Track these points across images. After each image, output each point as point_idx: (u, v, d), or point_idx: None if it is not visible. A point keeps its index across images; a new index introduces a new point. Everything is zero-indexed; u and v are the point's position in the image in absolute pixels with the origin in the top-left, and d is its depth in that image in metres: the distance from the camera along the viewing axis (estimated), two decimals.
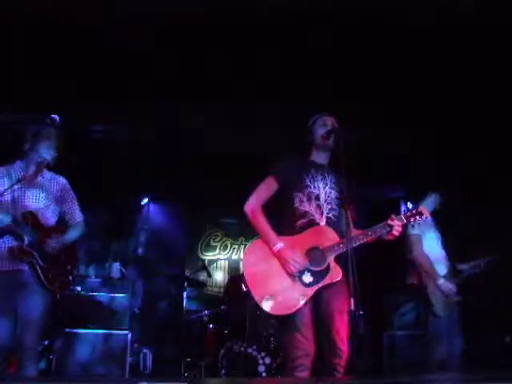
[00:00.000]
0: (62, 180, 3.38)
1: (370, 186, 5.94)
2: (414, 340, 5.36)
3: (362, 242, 2.78)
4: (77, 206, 3.41)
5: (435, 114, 5.12)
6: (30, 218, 3.09)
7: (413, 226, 4.04)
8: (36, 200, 3.17)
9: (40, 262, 3.03)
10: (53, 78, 4.60)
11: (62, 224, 3.34)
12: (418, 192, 4.40)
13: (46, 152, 3.22)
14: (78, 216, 3.38)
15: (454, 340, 4.01)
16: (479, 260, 4.20)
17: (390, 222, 2.83)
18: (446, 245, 4.25)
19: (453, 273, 4.10)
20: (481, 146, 5.31)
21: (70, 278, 3.28)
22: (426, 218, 2.93)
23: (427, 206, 3.36)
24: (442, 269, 4.08)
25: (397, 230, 2.82)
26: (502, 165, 5.18)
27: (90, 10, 3.83)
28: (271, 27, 4.05)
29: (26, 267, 3.03)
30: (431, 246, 4.14)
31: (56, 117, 3.26)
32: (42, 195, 3.20)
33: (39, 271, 3.02)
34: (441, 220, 4.34)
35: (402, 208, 6.90)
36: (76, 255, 3.39)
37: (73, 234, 3.31)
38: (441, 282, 3.97)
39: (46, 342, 4.45)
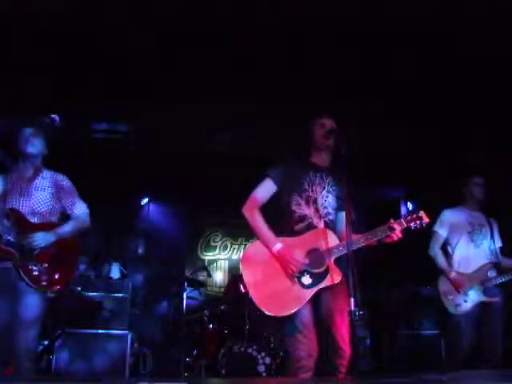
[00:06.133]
0: (60, 176, 3.28)
1: (370, 186, 5.95)
2: (414, 340, 5.37)
3: (361, 245, 2.76)
4: (77, 199, 3.27)
5: (435, 114, 5.12)
6: (12, 215, 3.00)
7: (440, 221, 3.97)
8: (28, 199, 3.09)
9: (19, 258, 2.92)
10: (53, 78, 4.60)
11: (60, 220, 3.21)
12: (418, 192, 4.31)
13: (38, 153, 3.16)
14: (78, 208, 3.24)
15: (486, 338, 3.78)
16: None
17: (390, 225, 2.80)
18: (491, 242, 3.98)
19: (484, 273, 3.84)
20: (481, 145, 5.32)
21: (64, 276, 3.06)
22: (426, 222, 2.88)
23: None
24: (470, 267, 3.88)
25: (396, 235, 2.79)
26: None
27: (90, 9, 3.84)
28: (272, 29, 4.05)
29: (10, 265, 2.93)
30: (461, 243, 3.98)
31: (56, 117, 3.24)
32: (37, 194, 3.12)
33: (19, 268, 2.92)
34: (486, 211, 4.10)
35: (402, 209, 6.92)
36: (75, 252, 3.19)
37: (69, 227, 3.15)
38: (452, 275, 3.84)
39: (46, 342, 4.45)
